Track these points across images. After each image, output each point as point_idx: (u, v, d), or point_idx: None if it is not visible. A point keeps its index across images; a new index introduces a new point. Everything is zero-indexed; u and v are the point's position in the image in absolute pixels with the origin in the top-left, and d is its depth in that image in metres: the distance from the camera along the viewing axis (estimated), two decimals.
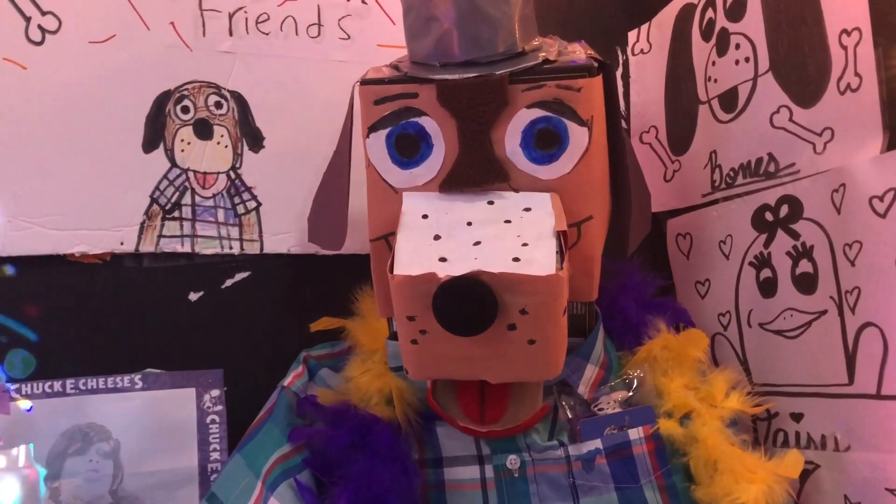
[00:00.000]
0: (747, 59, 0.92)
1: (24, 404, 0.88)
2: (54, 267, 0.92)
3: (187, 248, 0.96)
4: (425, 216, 0.75)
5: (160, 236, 0.95)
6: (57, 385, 0.90)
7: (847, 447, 0.81)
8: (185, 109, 0.97)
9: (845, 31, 0.79)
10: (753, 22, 0.91)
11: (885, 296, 0.76)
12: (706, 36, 1.00)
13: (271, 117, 0.99)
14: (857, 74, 0.78)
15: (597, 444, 0.82)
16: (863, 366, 0.79)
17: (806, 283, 0.86)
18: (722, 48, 0.97)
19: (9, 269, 0.91)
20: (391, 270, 0.70)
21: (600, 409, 0.84)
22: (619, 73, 1.16)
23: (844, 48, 0.79)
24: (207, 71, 0.98)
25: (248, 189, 0.99)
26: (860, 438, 0.80)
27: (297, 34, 1.00)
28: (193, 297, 0.97)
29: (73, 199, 0.92)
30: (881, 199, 0.75)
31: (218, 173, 0.98)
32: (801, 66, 0.85)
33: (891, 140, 0.75)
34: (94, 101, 0.93)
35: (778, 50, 0.88)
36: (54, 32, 0.92)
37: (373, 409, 0.82)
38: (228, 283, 0.98)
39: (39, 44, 0.92)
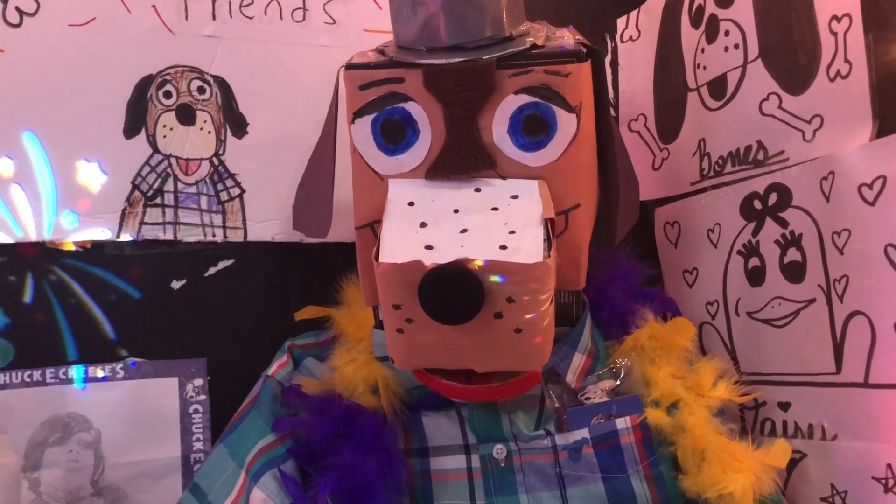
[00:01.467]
0: (737, 46, 0.92)
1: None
2: (34, 254, 0.91)
3: (170, 236, 0.95)
4: (411, 203, 0.74)
5: (142, 223, 0.94)
6: (37, 374, 0.89)
7: (834, 436, 0.81)
8: (168, 94, 0.95)
9: (835, 18, 0.79)
10: (743, 8, 0.91)
11: (874, 284, 0.75)
12: (695, 22, 0.99)
13: (255, 103, 0.98)
14: (847, 61, 0.78)
15: (584, 433, 0.81)
16: (850, 354, 0.79)
17: (794, 272, 0.86)
18: (711, 35, 0.96)
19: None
20: (376, 258, 0.69)
21: (587, 399, 0.84)
22: (607, 60, 1.15)
23: (834, 34, 0.79)
24: (190, 55, 0.96)
25: (232, 176, 0.97)
26: (847, 427, 0.80)
27: (281, 18, 0.99)
28: (176, 285, 0.96)
29: (52, 187, 0.91)
30: (870, 186, 0.75)
31: (201, 160, 0.97)
32: (791, 52, 0.84)
33: (880, 127, 0.75)
34: (73, 85, 0.91)
35: (767, 36, 0.88)
36: (32, 14, 0.90)
37: (358, 399, 0.81)
38: (212, 271, 0.97)
39: (17, 26, 0.90)
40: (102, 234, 0.92)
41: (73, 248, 0.92)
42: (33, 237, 0.90)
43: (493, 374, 0.75)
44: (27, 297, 0.91)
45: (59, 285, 0.92)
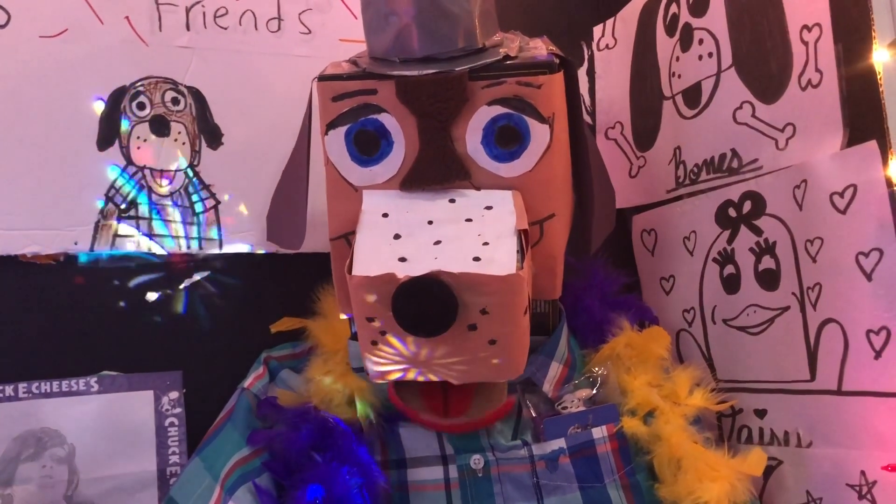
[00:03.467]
0: (710, 55, 0.92)
1: None
2: (6, 268, 0.90)
3: (144, 248, 0.94)
4: (385, 215, 0.74)
5: (116, 236, 0.93)
6: (9, 389, 0.88)
7: (809, 443, 0.81)
8: (141, 106, 0.95)
9: (806, 27, 0.79)
10: (717, 17, 0.91)
11: (846, 292, 0.76)
12: (670, 31, 1.00)
13: (230, 114, 0.97)
14: (817, 70, 0.78)
15: (560, 443, 0.81)
16: (824, 362, 0.79)
17: (769, 279, 0.86)
18: (686, 43, 0.96)
19: None
20: (350, 271, 0.69)
21: (564, 408, 0.84)
22: (584, 68, 1.15)
23: (805, 44, 0.79)
24: (164, 66, 0.95)
25: (207, 187, 0.97)
26: (822, 434, 0.80)
27: (256, 29, 0.99)
28: (151, 297, 0.95)
29: (24, 199, 0.90)
30: (841, 195, 0.75)
31: (175, 171, 0.96)
32: (764, 61, 0.85)
33: (851, 136, 0.76)
34: (46, 97, 0.90)
35: (740, 45, 0.88)
36: (3, 26, 0.89)
37: (334, 411, 0.81)
38: (187, 283, 0.96)
39: None
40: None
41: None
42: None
43: (467, 402, 0.75)
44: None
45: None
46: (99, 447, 0.89)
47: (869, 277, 0.73)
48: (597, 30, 1.15)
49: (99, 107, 0.92)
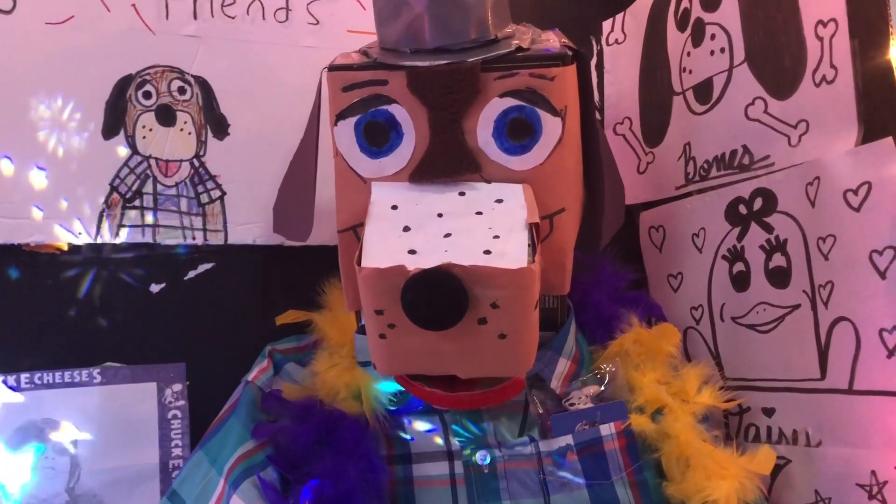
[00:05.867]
0: (722, 50, 0.91)
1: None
2: (9, 257, 0.89)
3: (148, 239, 0.93)
4: (395, 207, 0.73)
5: (120, 226, 0.92)
6: (11, 380, 0.87)
7: (818, 442, 0.81)
8: (147, 95, 0.94)
9: (821, 22, 0.78)
10: (729, 12, 0.90)
11: (858, 290, 0.75)
12: (681, 26, 0.99)
13: (237, 104, 0.97)
14: (832, 66, 0.77)
15: (568, 439, 0.81)
16: (835, 361, 0.78)
17: (779, 277, 0.85)
18: (697, 38, 0.96)
19: None
20: (359, 263, 0.68)
21: (571, 405, 0.83)
22: (593, 63, 1.14)
23: (820, 39, 0.79)
24: (170, 55, 0.95)
25: (213, 178, 0.96)
26: (832, 433, 0.79)
27: (264, 18, 0.98)
28: (155, 288, 0.94)
29: (28, 187, 0.89)
30: (855, 192, 0.75)
31: (181, 161, 0.95)
32: (777, 57, 0.84)
33: (866, 133, 0.75)
34: (50, 84, 0.90)
35: (753, 41, 0.88)
36: (8, 12, 0.88)
37: (340, 405, 0.80)
38: (191, 274, 0.96)
39: None
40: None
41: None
42: None
43: (476, 380, 0.74)
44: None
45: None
46: (101, 439, 0.89)
47: (883, 276, 0.73)
48: (606, 24, 1.14)
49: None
